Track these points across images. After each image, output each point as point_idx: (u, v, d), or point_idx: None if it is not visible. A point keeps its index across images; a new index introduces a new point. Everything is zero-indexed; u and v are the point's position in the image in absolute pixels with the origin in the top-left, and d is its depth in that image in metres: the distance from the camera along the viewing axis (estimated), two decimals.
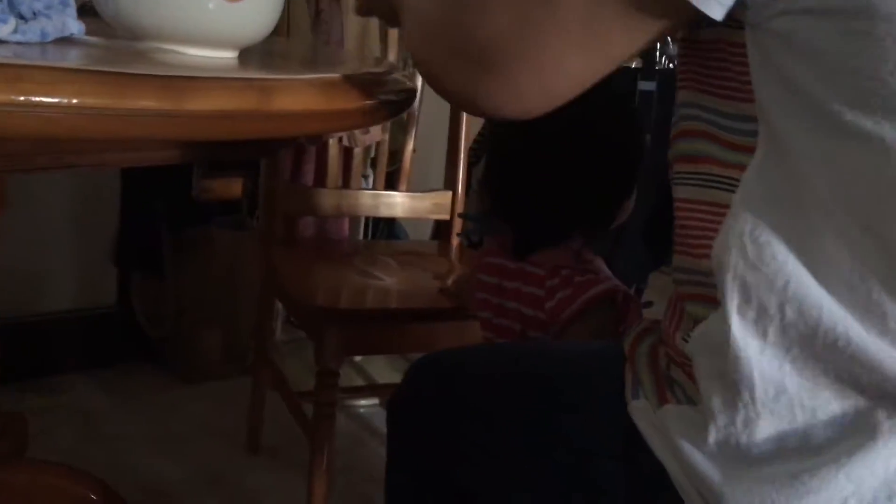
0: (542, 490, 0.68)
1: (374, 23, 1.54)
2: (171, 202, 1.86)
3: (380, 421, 1.82)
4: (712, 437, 0.54)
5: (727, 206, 0.52)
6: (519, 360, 0.83)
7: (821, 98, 0.46)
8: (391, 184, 1.61)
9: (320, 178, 1.59)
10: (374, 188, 1.60)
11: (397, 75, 0.84)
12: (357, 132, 1.54)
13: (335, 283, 1.32)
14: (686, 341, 0.59)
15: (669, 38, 1.66)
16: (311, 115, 0.64)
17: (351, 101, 0.67)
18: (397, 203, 1.57)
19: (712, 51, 0.57)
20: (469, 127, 1.57)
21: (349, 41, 1.54)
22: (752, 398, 0.52)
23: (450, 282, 1.32)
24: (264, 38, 0.74)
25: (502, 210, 0.97)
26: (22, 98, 0.50)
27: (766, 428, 0.53)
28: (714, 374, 0.54)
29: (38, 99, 0.50)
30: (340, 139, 1.54)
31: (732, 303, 0.51)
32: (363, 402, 1.82)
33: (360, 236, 1.96)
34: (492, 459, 0.74)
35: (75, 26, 0.65)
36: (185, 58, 0.69)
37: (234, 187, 2.00)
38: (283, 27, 1.50)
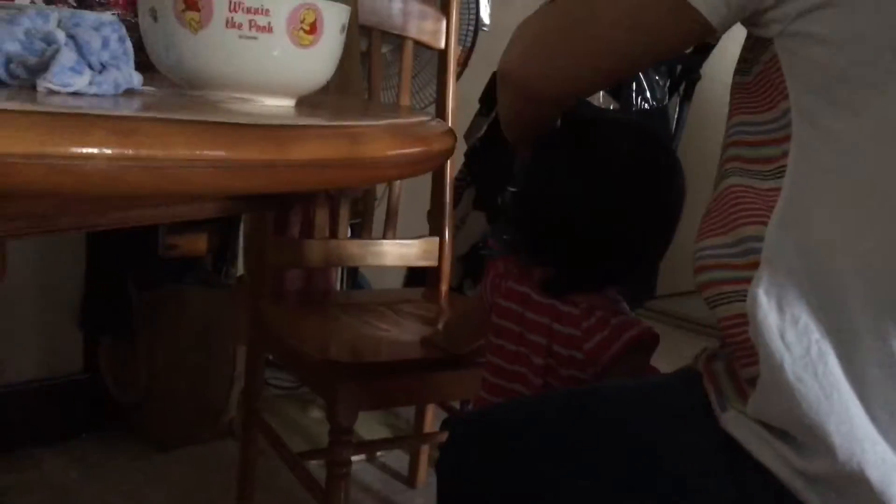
0: None
1: (357, 71, 1.52)
2: (138, 261, 1.79)
3: (369, 477, 1.76)
4: (788, 369, 0.60)
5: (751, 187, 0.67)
6: (576, 405, 0.81)
7: (838, 66, 0.61)
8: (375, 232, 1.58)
9: (306, 230, 1.55)
10: (360, 237, 1.57)
11: (434, 121, 0.83)
12: None
13: (344, 336, 1.27)
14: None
15: (649, 85, 1.70)
16: (396, 161, 0.62)
17: (428, 145, 0.65)
18: (385, 251, 1.53)
19: (754, 85, 0.70)
20: (452, 171, 1.56)
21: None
22: (823, 334, 0.60)
23: (434, 331, 1.27)
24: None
25: (539, 249, 0.94)
26: (131, 152, 0.46)
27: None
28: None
29: (148, 152, 0.46)
30: (326, 189, 1.51)
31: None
32: (352, 458, 1.75)
33: (337, 287, 1.92)
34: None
35: (136, 78, 0.62)
36: (247, 106, 0.66)
37: (199, 243, 1.94)
38: None
